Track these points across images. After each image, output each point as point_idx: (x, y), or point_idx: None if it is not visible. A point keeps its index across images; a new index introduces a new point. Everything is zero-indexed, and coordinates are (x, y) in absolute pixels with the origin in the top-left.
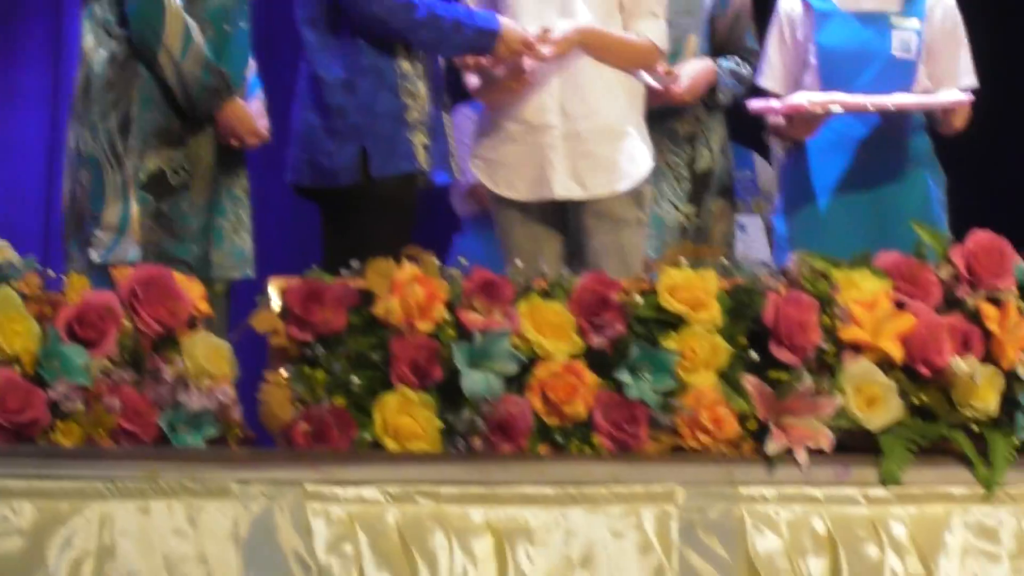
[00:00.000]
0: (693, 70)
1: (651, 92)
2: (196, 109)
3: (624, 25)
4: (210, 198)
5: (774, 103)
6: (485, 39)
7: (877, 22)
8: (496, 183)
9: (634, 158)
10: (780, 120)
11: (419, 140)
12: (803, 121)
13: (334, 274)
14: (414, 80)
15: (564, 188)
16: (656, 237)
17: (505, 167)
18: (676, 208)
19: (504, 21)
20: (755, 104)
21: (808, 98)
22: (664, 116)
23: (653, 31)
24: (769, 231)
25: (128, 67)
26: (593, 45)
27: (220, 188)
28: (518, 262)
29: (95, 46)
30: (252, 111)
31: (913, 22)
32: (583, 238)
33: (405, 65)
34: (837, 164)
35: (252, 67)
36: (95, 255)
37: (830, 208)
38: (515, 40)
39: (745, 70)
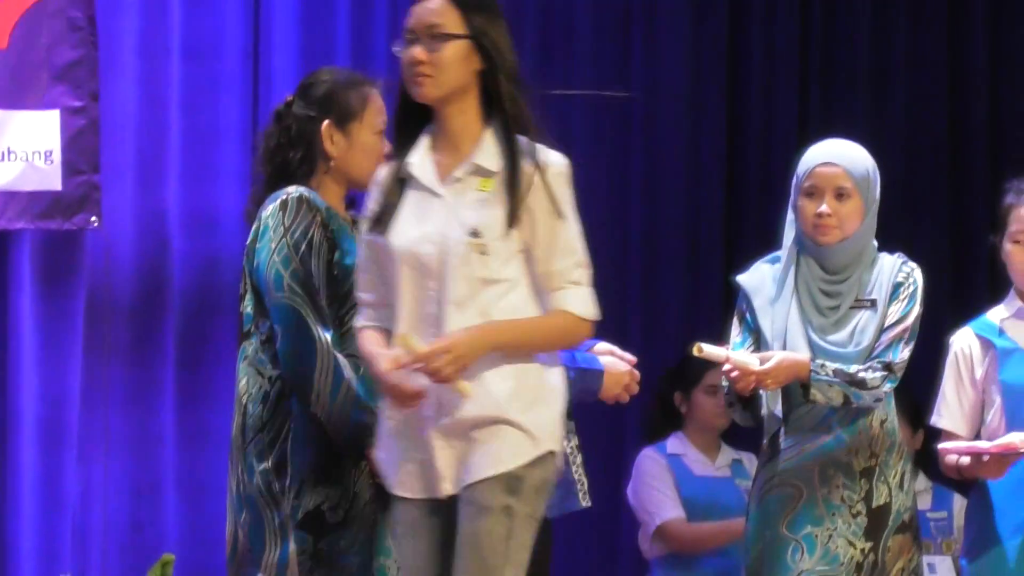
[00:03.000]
0: (783, 357)
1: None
2: (347, 448)
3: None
4: (371, 535)
5: (982, 444)
6: None
7: None
8: None
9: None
10: (966, 460)
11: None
12: (995, 461)
13: None
14: None
15: None
16: (831, 573)
17: None
18: (851, 544)
19: None
20: (951, 446)
21: (1021, 438)
22: (840, 450)
23: (569, 300)
24: (959, 572)
25: (281, 406)
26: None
27: (382, 526)
28: None
29: (248, 387)
30: None
31: None
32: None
33: None
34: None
35: None
36: None
37: (1018, 551)
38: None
39: (868, 375)
